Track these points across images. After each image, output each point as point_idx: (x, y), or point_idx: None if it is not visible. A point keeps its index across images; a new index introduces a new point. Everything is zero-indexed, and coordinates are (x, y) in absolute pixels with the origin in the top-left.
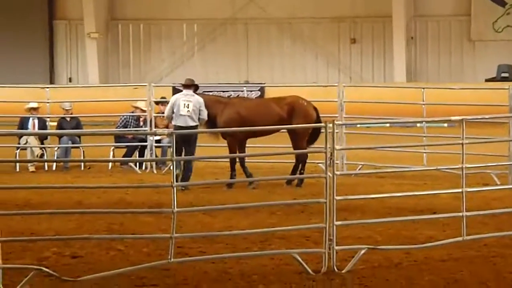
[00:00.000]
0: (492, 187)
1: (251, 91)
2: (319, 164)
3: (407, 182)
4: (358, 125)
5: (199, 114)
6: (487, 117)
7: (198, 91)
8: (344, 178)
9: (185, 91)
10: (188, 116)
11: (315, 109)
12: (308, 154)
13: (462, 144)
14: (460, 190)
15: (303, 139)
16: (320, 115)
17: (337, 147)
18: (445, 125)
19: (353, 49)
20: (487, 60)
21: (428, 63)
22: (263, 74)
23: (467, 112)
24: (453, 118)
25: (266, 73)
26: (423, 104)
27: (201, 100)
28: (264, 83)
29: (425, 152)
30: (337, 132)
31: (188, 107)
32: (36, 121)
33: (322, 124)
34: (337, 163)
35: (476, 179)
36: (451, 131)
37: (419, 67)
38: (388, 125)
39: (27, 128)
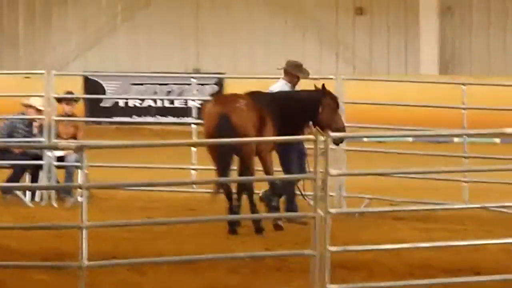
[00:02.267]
0: None
1: (203, 84)
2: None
3: (438, 227)
4: (365, 139)
5: None
6: None
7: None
8: (343, 219)
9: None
10: None
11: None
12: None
13: None
14: None
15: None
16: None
17: (332, 171)
18: (497, 140)
19: (359, 24)
20: None
21: (471, 47)
22: (222, 59)
23: None
24: (509, 130)
25: (225, 58)
26: (464, 109)
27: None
28: (224, 73)
29: (465, 182)
30: (332, 149)
31: None
32: None
33: (311, 137)
34: (332, 196)
35: None
36: (507, 150)
37: (458, 52)
38: (410, 139)
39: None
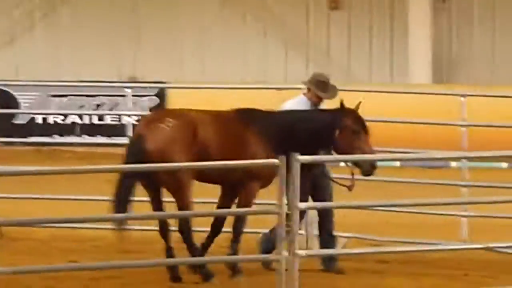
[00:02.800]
0: None
1: (140, 95)
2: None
3: (431, 272)
4: (342, 164)
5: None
6: None
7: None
8: (314, 263)
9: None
10: None
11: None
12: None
13: None
14: None
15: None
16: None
17: (300, 204)
18: (504, 165)
19: (334, 21)
20: None
21: (472, 49)
22: (164, 66)
23: None
24: None
25: (168, 64)
26: (463, 125)
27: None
28: (166, 83)
29: (465, 216)
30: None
31: None
32: None
33: (275, 161)
34: (301, 235)
35: None
36: None
37: (456, 56)
38: (398, 164)
39: None
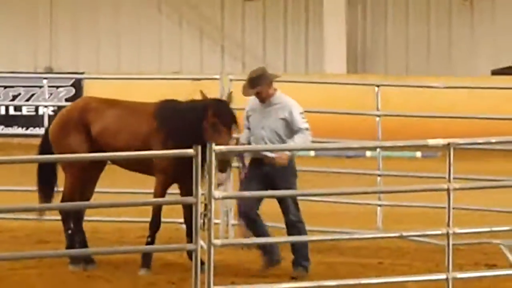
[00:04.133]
0: (502, 270)
1: (57, 86)
2: (183, 226)
3: (346, 260)
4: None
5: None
6: (493, 140)
7: None
8: (231, 253)
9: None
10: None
11: None
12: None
13: (448, 189)
14: (443, 275)
15: None
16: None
17: (216, 193)
18: (418, 154)
19: (248, 11)
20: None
21: (386, 39)
22: (80, 56)
23: (461, 130)
24: (432, 141)
25: (84, 55)
26: (378, 116)
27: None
28: (83, 73)
29: (380, 205)
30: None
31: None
32: None
33: (190, 151)
34: (217, 224)
35: (474, 254)
36: (429, 166)
37: (370, 47)
38: (312, 153)
39: None
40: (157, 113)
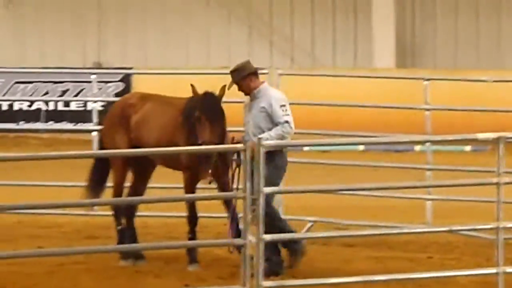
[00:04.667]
0: None
1: (106, 82)
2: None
3: (396, 255)
4: (306, 148)
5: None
6: None
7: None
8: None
9: None
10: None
11: None
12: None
13: (498, 183)
14: (494, 270)
15: None
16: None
17: (265, 189)
18: (467, 148)
19: (297, 5)
20: None
21: (435, 33)
22: (128, 52)
23: (511, 124)
24: (482, 135)
25: (133, 50)
26: (427, 109)
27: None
28: (131, 68)
29: (429, 199)
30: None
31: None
32: None
33: (240, 146)
34: None
35: None
36: (479, 160)
37: (419, 41)
38: (361, 148)
39: None
40: (184, 108)
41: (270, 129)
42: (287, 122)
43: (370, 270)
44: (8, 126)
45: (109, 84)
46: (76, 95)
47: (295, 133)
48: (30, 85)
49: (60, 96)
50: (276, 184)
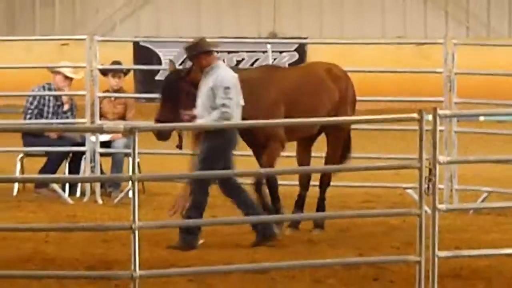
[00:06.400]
0: None
1: (280, 51)
2: (407, 191)
3: None
4: (482, 118)
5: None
6: None
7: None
8: (455, 218)
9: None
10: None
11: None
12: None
13: None
14: None
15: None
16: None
17: (441, 158)
18: None
19: None
20: None
21: None
22: (303, 22)
23: None
24: None
25: (308, 20)
26: None
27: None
28: (307, 38)
29: None
30: (441, 131)
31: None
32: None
33: (414, 115)
34: (441, 189)
35: None
36: None
37: None
38: None
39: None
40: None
41: (214, 109)
42: (223, 105)
43: None
44: None
45: (284, 54)
46: (251, 65)
47: (470, 103)
48: None
49: (236, 65)
50: (214, 167)
